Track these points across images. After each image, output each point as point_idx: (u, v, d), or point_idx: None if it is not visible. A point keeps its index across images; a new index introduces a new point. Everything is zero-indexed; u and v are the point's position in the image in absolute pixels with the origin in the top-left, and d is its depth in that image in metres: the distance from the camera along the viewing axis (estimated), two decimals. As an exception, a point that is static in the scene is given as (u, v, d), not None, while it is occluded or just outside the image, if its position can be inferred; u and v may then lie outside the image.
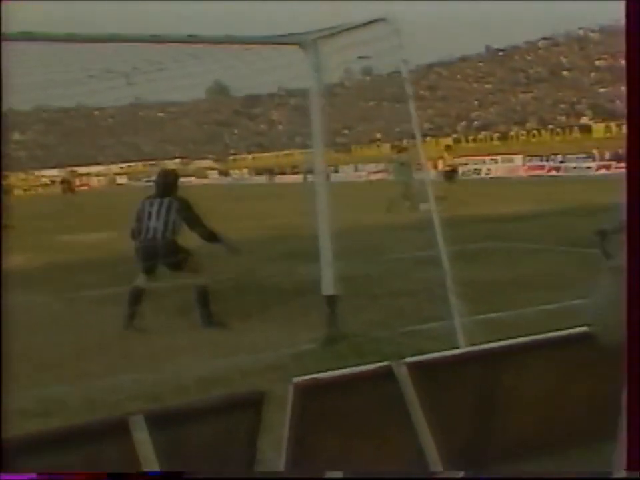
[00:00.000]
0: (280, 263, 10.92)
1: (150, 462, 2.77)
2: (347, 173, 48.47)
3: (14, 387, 5.26)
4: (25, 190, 57.56)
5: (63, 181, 56.41)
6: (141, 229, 7.46)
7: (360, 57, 6.85)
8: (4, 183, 35.30)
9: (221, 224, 17.27)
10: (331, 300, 6.42)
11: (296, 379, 3.15)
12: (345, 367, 4.04)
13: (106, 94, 8.34)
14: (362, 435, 3.28)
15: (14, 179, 53.86)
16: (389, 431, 3.33)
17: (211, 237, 7.44)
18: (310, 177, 35.25)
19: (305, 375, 4.91)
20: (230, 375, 5.43)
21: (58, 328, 7.55)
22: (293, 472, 3.09)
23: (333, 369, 4.18)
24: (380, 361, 4.44)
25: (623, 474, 2.41)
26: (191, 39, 6.71)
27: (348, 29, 6.73)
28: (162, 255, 7.33)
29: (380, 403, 3.33)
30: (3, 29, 4.18)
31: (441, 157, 27.11)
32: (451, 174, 21.35)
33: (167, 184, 7.66)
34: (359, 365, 4.10)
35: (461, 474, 3.33)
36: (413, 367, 3.37)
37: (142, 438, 2.80)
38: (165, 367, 5.78)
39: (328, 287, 6.43)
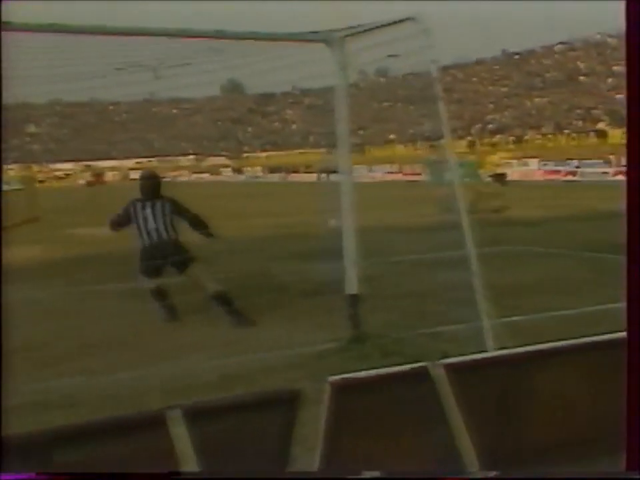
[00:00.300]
0: (296, 262, 10.87)
1: (187, 457, 2.76)
2: (360, 174, 48.42)
3: (31, 379, 5.28)
4: (39, 182, 57.84)
5: (95, 174, 57.25)
6: (139, 232, 7.61)
7: (389, 56, 6.80)
8: (27, 174, 35.29)
9: (235, 221, 17.26)
10: (354, 299, 6.39)
11: (332, 378, 3.13)
12: (371, 368, 4.02)
13: (133, 87, 8.34)
14: (395, 435, 3.26)
15: (29, 171, 54.11)
16: (423, 431, 3.31)
17: (203, 225, 7.62)
18: (323, 176, 34.94)
19: (328, 374, 4.89)
20: (250, 373, 5.41)
21: (75, 320, 7.56)
22: (326, 471, 3.07)
23: (358, 369, 4.16)
24: (404, 362, 4.42)
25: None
26: (217, 34, 6.70)
27: (376, 28, 6.69)
28: (170, 254, 7.47)
29: (414, 403, 3.31)
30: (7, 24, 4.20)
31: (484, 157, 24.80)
32: (500, 177, 19.93)
33: (155, 186, 7.83)
34: (383, 365, 4.08)
35: (493, 474, 3.32)
36: (447, 368, 3.35)
37: (180, 433, 2.78)
38: (183, 363, 5.75)
39: (351, 287, 6.39)
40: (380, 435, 3.22)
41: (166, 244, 7.50)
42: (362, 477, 3.09)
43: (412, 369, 3.29)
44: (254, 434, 3.02)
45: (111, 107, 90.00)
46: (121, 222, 7.85)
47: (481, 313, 5.37)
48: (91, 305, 8.56)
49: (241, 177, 64.42)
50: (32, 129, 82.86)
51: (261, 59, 6.91)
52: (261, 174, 64.77)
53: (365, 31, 6.74)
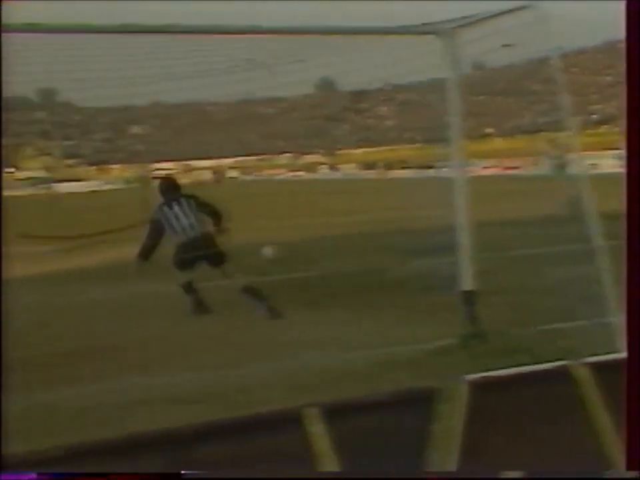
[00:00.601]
0: (405, 257, 10.72)
1: (326, 456, 2.71)
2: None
3: (155, 374, 5.36)
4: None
5: (215, 172, 59.53)
6: (173, 230, 7.85)
7: (504, 45, 6.63)
8: (142, 174, 36.33)
9: (337, 218, 17.21)
10: (470, 295, 6.24)
11: (469, 376, 3.03)
12: (491, 366, 3.89)
13: (230, 88, 8.44)
14: (534, 434, 3.14)
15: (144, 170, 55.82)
16: (563, 431, 3.18)
17: (220, 218, 7.96)
18: (418, 172, 34.72)
19: (450, 371, 4.77)
20: (369, 370, 5.35)
21: (182, 317, 7.66)
22: (464, 471, 2.97)
23: (480, 367, 4.03)
24: (530, 360, 4.26)
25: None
26: (328, 29, 6.67)
27: (490, 17, 6.53)
28: (206, 248, 7.73)
29: (553, 402, 3.18)
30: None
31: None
32: None
33: (176, 187, 8.21)
34: (508, 363, 3.94)
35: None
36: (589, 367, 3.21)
37: (317, 431, 2.73)
38: (302, 359, 5.72)
39: (467, 282, 6.25)
40: (519, 435, 3.10)
41: (201, 238, 7.79)
42: (501, 477, 2.99)
43: (553, 367, 3.15)
44: (390, 433, 2.95)
45: (209, 108, 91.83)
46: (154, 242, 7.96)
47: (609, 309, 5.13)
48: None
49: (337, 174, 64.54)
50: (135, 130, 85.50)
51: (356, 56, 6.87)
52: (356, 171, 64.74)
53: (478, 21, 6.59)
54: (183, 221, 7.82)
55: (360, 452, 2.90)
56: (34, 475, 2.54)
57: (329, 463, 2.71)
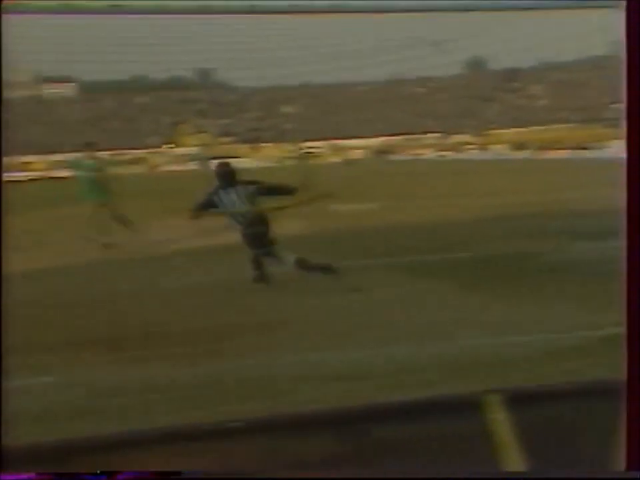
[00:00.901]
0: (566, 240, 10.33)
1: (509, 445, 2.61)
2: (617, 149, 45.49)
3: (312, 350, 5.41)
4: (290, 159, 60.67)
5: (381, 151, 60.88)
6: (232, 216, 8.06)
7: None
8: (303, 151, 37.04)
9: (489, 199, 16.76)
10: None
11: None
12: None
13: (380, 68, 8.42)
14: None
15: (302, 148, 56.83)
16: None
17: (293, 191, 8.03)
18: (573, 153, 33.06)
19: (617, 361, 4.49)
20: (536, 355, 5.17)
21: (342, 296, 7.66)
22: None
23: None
24: None
25: None
26: (499, 5, 6.46)
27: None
28: (268, 233, 7.94)
29: None
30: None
31: None
32: None
33: (233, 174, 8.27)
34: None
35: None
36: None
37: (497, 418, 2.64)
38: (458, 341, 5.60)
39: (639, 270, 5.90)
40: None
41: (260, 222, 7.96)
42: None
43: None
44: (573, 427, 2.81)
45: (359, 88, 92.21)
46: (204, 208, 8.23)
47: None
48: (355, 278, 8.61)
49: (486, 155, 63.18)
50: (286, 109, 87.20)
51: (513, 34, 6.63)
52: (507, 151, 63.11)
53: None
54: (238, 205, 8.06)
55: (539, 444, 2.78)
56: (33, 475, 2.56)
57: (511, 453, 2.62)
